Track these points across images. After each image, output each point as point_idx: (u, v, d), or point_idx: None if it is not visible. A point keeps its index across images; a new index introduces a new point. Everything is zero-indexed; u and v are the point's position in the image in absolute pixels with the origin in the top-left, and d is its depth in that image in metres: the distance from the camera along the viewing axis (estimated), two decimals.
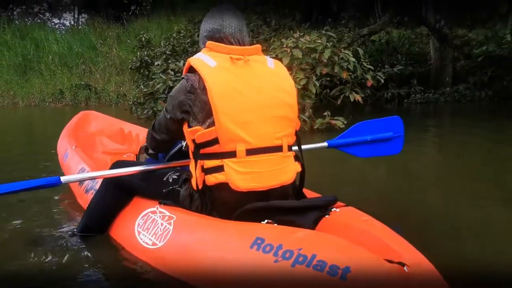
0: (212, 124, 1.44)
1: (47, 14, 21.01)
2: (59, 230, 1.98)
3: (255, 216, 1.42)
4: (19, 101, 13.56)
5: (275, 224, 1.38)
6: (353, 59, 5.20)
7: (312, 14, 11.13)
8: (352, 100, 5.40)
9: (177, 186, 1.63)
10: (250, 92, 1.47)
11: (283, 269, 1.15)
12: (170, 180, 1.65)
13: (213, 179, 1.46)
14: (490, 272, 1.50)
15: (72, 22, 20.03)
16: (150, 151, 1.85)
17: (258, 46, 1.59)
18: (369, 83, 5.63)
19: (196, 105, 1.46)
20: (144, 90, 7.02)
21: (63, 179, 1.65)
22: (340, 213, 1.47)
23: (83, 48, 14.71)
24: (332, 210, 1.48)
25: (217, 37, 1.55)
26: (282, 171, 1.52)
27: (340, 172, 3.28)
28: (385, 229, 1.35)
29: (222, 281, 1.28)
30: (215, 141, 1.44)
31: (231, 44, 1.54)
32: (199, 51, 1.59)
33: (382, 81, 5.99)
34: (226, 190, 1.45)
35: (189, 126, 1.50)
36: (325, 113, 5.23)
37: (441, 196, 2.66)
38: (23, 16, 19.61)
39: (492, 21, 10.15)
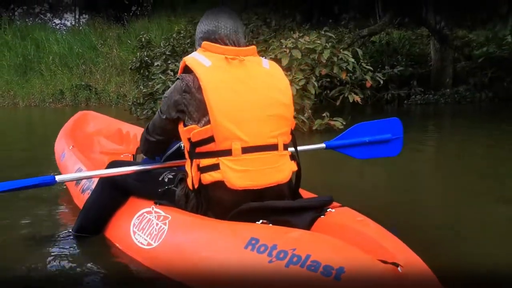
0: (208, 122, 1.44)
1: (48, 15, 21.05)
2: (55, 230, 1.97)
3: (250, 216, 1.42)
4: (19, 102, 13.56)
5: (270, 225, 1.38)
6: (352, 60, 5.20)
7: (312, 15, 11.14)
8: (351, 101, 5.39)
9: (172, 186, 1.62)
10: (245, 91, 1.47)
11: (277, 269, 1.15)
12: (166, 180, 1.65)
13: (209, 177, 1.46)
14: (486, 273, 1.49)
15: (73, 23, 20.05)
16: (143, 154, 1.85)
17: (253, 47, 1.59)
18: (368, 84, 5.63)
19: (192, 104, 1.47)
20: (144, 90, 7.03)
21: (58, 178, 1.67)
22: (335, 213, 1.46)
23: (84, 48, 14.71)
24: (328, 210, 1.48)
25: (212, 38, 1.56)
26: (278, 169, 1.52)
27: (337, 172, 3.27)
28: (379, 230, 1.34)
29: (216, 281, 1.27)
30: (210, 139, 1.44)
31: (226, 45, 1.54)
32: None
33: (381, 82, 5.99)
34: (222, 188, 1.45)
35: (185, 125, 1.50)
36: (324, 114, 5.23)
37: (440, 196, 2.66)
38: (24, 16, 19.64)
39: (492, 22, 10.15)
